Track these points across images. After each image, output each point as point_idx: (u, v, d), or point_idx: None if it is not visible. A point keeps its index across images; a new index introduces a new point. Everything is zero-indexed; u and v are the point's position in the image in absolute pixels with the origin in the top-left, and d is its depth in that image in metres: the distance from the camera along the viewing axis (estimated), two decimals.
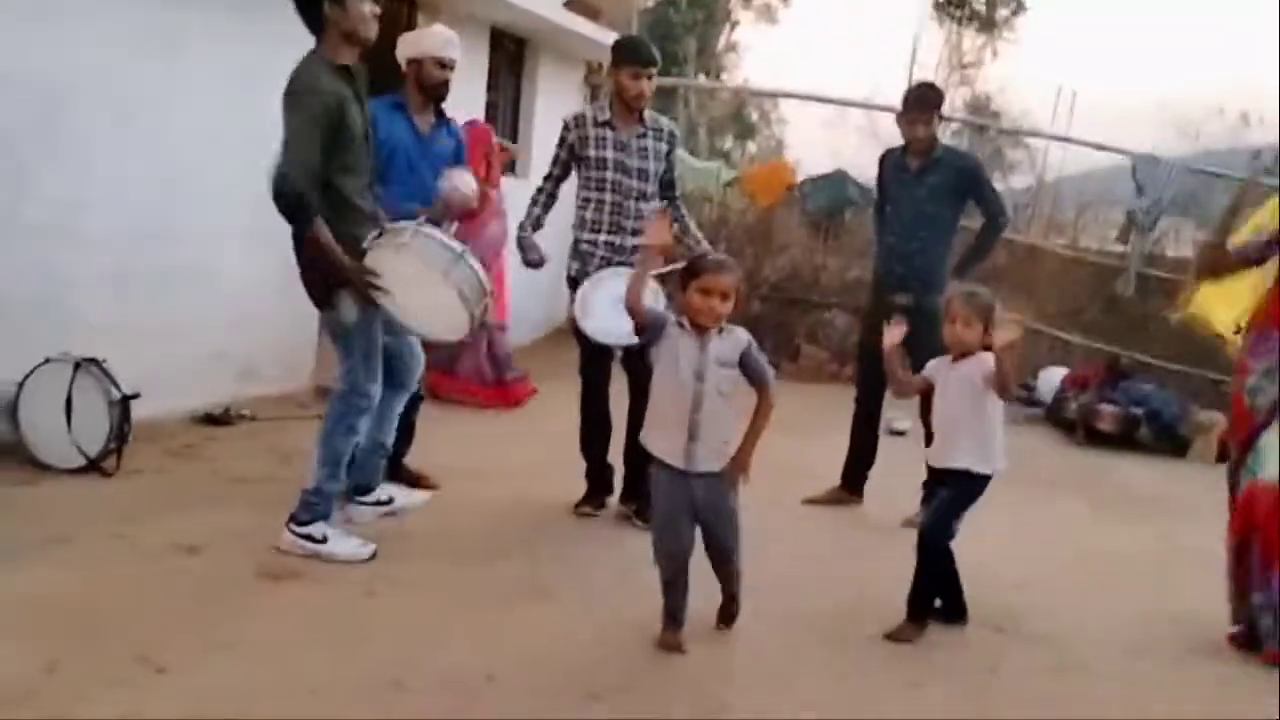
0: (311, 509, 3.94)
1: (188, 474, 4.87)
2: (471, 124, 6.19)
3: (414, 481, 4.88)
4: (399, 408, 4.27)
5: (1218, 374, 8.34)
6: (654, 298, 4.27)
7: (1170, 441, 7.23)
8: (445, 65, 4.64)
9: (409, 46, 4.69)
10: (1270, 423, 3.75)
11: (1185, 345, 8.73)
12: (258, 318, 6.07)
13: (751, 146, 30.03)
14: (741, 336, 3.40)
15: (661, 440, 3.39)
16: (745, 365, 3.37)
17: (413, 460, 4.98)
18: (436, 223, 4.46)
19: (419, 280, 3.81)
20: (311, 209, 3.68)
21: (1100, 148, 9.53)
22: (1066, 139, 10.08)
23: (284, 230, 3.78)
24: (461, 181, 4.47)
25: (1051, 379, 8.08)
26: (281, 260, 3.94)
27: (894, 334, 3.93)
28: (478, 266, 3.91)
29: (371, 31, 3.80)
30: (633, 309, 3.39)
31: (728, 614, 3.63)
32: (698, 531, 3.46)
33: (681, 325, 3.35)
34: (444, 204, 4.45)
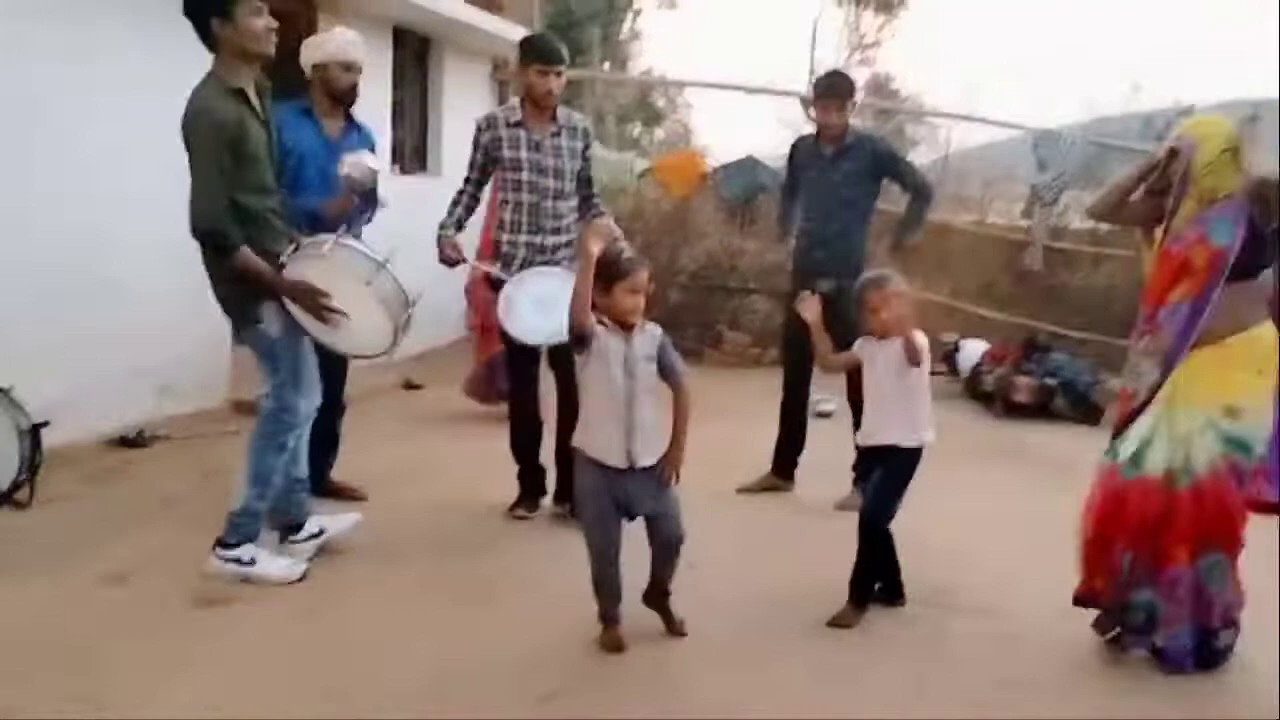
0: (239, 530, 3.85)
1: (107, 499, 4.73)
2: None
3: (340, 494, 4.80)
4: (306, 438, 4.17)
5: (1125, 341, 8.62)
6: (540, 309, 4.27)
7: (1084, 410, 7.42)
8: (350, 68, 4.56)
9: (312, 52, 4.59)
10: (1144, 408, 3.55)
11: (1095, 314, 9.00)
12: (173, 333, 5.90)
13: (659, 133, 30.11)
14: (656, 331, 3.44)
15: (600, 441, 3.38)
16: (660, 360, 3.42)
17: (338, 471, 4.90)
18: (345, 211, 4.43)
19: (340, 292, 3.73)
20: (232, 240, 3.60)
21: (1002, 124, 9.76)
22: (968, 117, 10.30)
23: (194, 243, 3.68)
24: (358, 162, 4.37)
25: (971, 353, 8.23)
26: (194, 273, 3.82)
27: (811, 309, 3.98)
28: (398, 277, 3.82)
29: (267, 48, 3.68)
30: (579, 319, 3.31)
31: (663, 603, 3.61)
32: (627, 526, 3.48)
33: (604, 325, 3.35)
34: (346, 189, 4.36)
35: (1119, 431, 3.64)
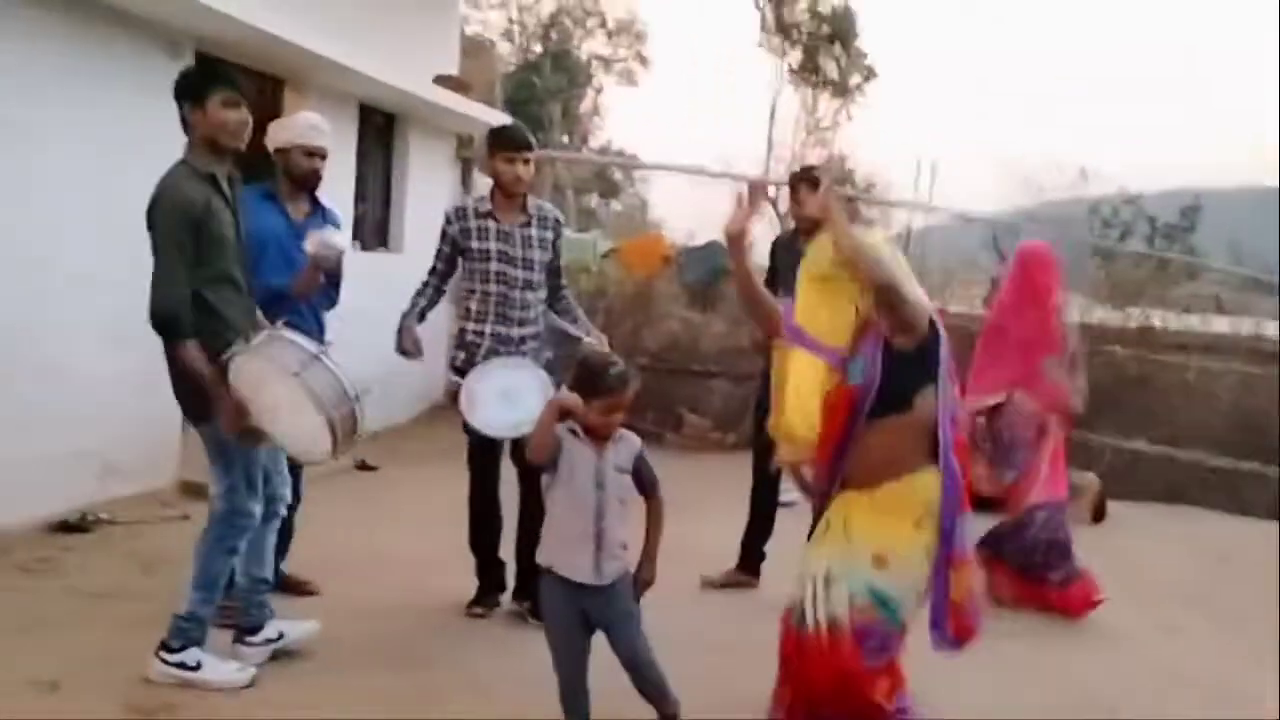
0: (184, 634, 3.65)
1: (41, 593, 4.49)
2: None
3: (292, 588, 4.61)
4: (272, 538, 4.01)
5: (1085, 433, 8.66)
6: (545, 390, 4.17)
7: None
8: (313, 154, 4.48)
9: (275, 135, 4.51)
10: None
11: None
12: (117, 413, 5.72)
13: (616, 205, 30.41)
14: (634, 441, 3.31)
15: (567, 555, 3.24)
16: (638, 473, 3.29)
17: (289, 562, 4.71)
18: (311, 288, 4.30)
19: (271, 387, 3.50)
20: (183, 329, 3.49)
21: (964, 216, 9.90)
22: (927, 206, 10.45)
23: (143, 323, 3.54)
24: (325, 240, 4.27)
25: None
26: (141, 353, 3.72)
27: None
28: (339, 369, 3.54)
29: (237, 142, 3.64)
30: (538, 456, 3.21)
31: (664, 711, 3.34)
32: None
33: (575, 433, 3.23)
34: (314, 267, 4.25)
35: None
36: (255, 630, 3.92)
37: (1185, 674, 4.63)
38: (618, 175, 30.61)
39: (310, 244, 4.23)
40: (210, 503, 3.74)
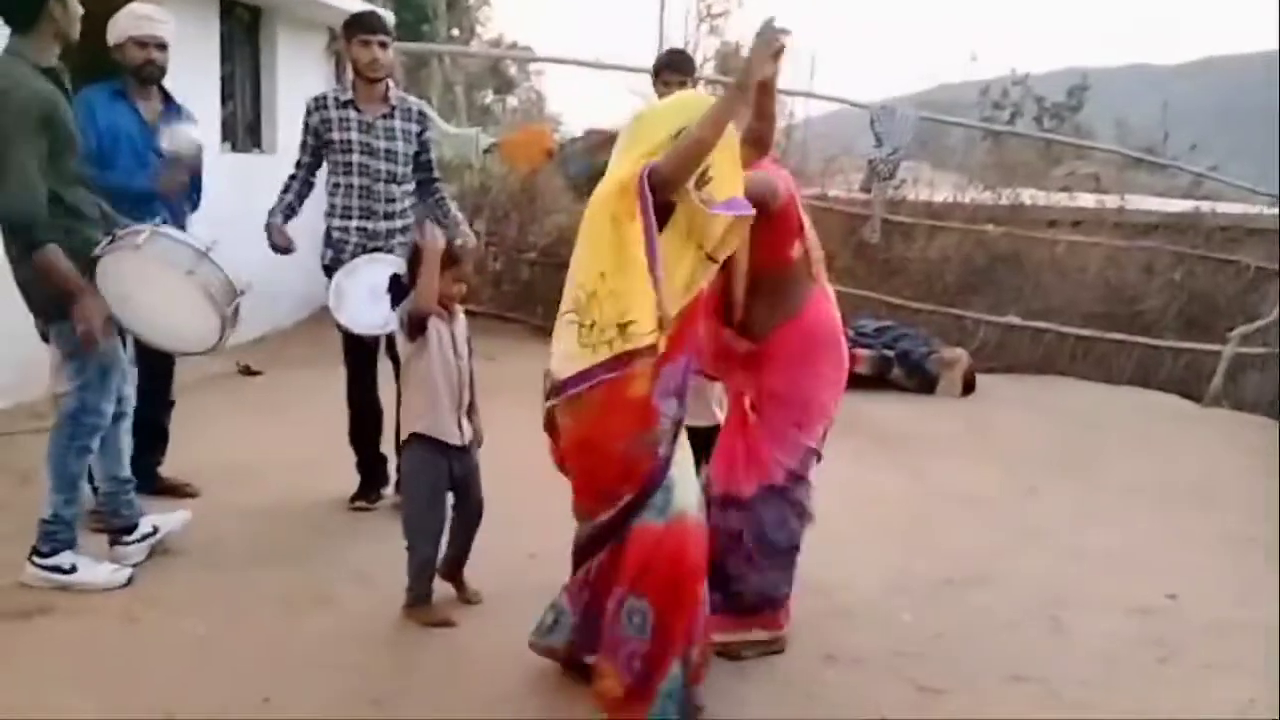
0: (52, 538, 3.66)
1: None
2: None
3: (170, 491, 4.62)
4: (126, 438, 3.99)
5: (960, 311, 8.99)
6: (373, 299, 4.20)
7: (921, 379, 7.71)
8: (145, 44, 4.31)
9: (109, 32, 4.34)
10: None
11: (930, 285, 9.34)
12: None
13: (513, 100, 29.75)
14: (461, 315, 3.67)
15: (441, 421, 3.54)
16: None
17: (168, 467, 4.72)
18: (176, 186, 4.26)
19: (159, 285, 3.57)
20: (42, 232, 3.39)
21: (841, 101, 9.97)
22: (808, 94, 10.51)
23: None
24: (180, 132, 4.21)
25: None
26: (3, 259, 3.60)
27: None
28: (221, 267, 3.66)
29: (76, 32, 3.57)
30: (424, 315, 3.46)
31: (459, 574, 3.76)
32: None
33: None
34: (174, 162, 4.19)
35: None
36: (129, 530, 3.94)
37: (1046, 532, 4.93)
38: (512, 70, 29.89)
39: (165, 140, 4.17)
40: (58, 402, 3.71)
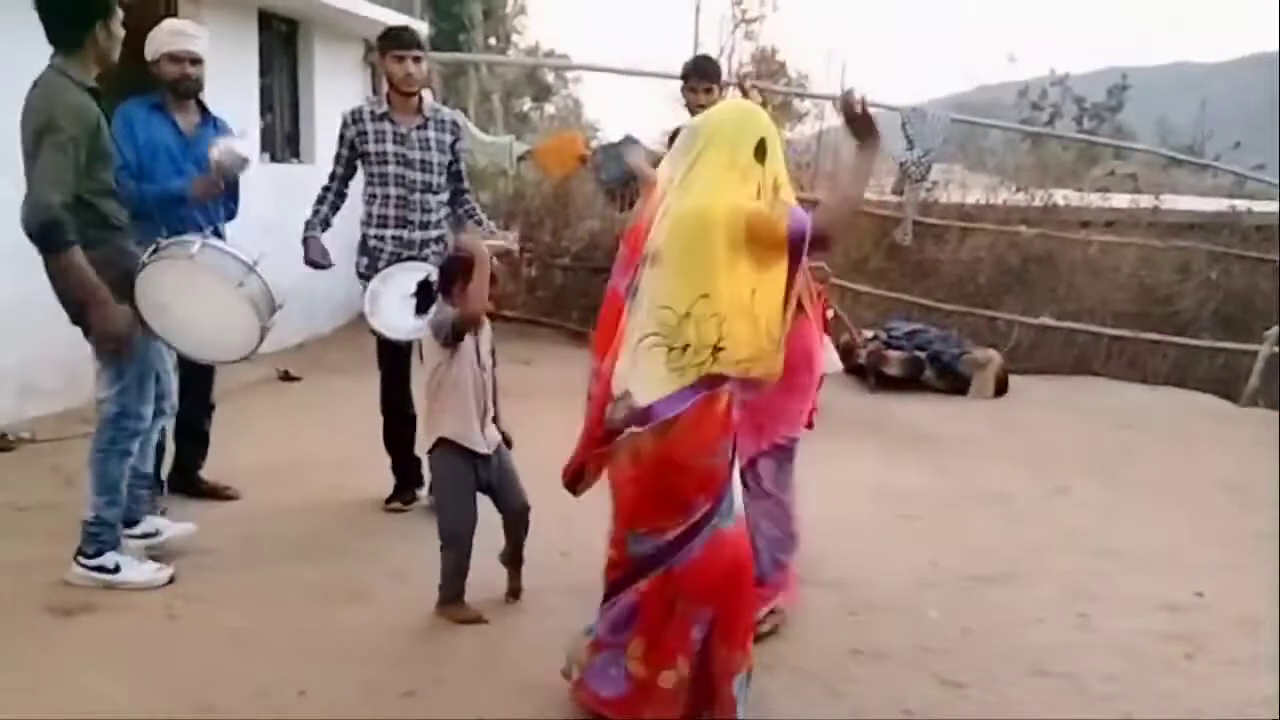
0: (96, 540, 3.78)
1: None
2: None
3: (211, 493, 4.75)
4: (156, 435, 4.12)
5: (992, 312, 8.97)
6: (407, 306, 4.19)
7: (952, 380, 7.71)
8: (179, 59, 4.41)
9: (146, 49, 4.46)
10: None
11: (963, 287, 9.32)
12: (32, 332, 5.70)
13: (550, 108, 29.85)
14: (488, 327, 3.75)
15: (466, 428, 3.62)
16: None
17: (209, 470, 4.84)
18: (211, 192, 4.36)
19: (206, 295, 3.73)
20: (67, 236, 3.45)
21: (872, 104, 9.93)
22: (839, 97, 10.48)
23: None
24: (229, 148, 4.32)
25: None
26: (40, 269, 3.70)
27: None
28: (266, 278, 3.81)
29: (118, 53, 3.70)
30: (472, 322, 3.56)
31: (518, 567, 3.85)
32: None
33: None
34: (216, 172, 4.29)
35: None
36: (131, 524, 4.05)
37: (1075, 531, 4.94)
38: (550, 77, 30.02)
39: (215, 151, 4.27)
40: (99, 407, 3.83)
